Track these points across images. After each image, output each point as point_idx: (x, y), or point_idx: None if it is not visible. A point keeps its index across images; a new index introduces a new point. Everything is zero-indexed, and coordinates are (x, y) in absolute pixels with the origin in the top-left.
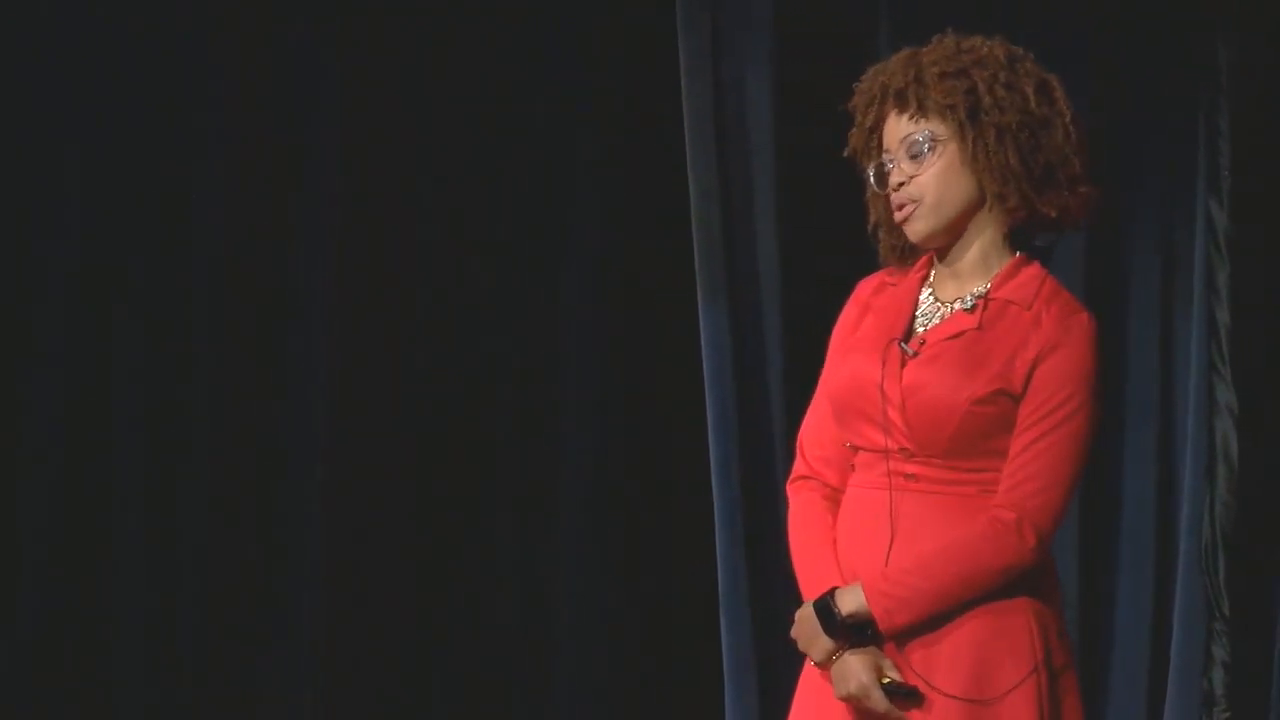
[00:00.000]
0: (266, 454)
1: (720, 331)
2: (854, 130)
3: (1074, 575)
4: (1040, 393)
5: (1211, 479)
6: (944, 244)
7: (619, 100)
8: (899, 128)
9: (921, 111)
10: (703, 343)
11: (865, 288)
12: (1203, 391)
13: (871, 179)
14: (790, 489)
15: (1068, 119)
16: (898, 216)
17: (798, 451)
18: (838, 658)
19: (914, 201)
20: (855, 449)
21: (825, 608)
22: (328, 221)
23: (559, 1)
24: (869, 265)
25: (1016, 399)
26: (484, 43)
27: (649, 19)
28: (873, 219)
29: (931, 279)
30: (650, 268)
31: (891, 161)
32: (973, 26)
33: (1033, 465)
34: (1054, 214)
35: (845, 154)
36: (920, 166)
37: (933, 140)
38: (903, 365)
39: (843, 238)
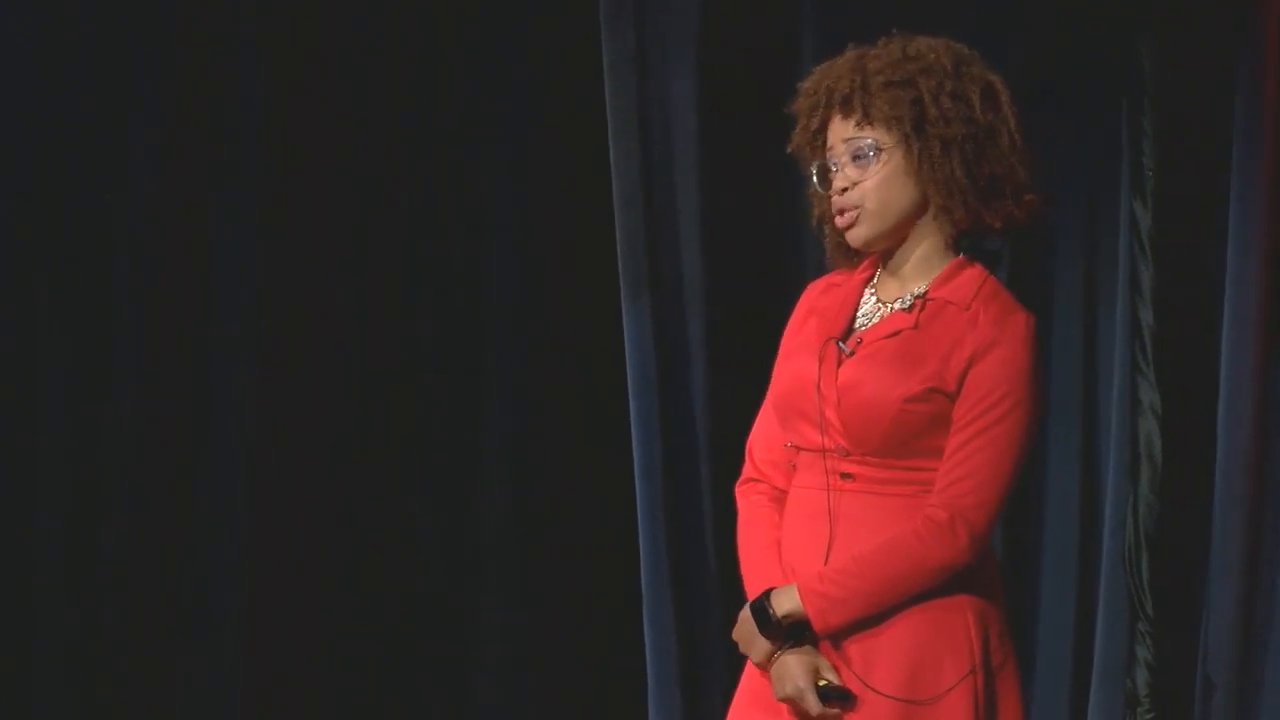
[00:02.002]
0: (188, 444)
1: (643, 331)
2: (797, 130)
3: None
4: (976, 391)
5: (1135, 479)
6: (886, 248)
7: (542, 101)
8: (843, 131)
9: (867, 119)
10: (626, 343)
11: (813, 291)
12: (1126, 391)
13: (814, 178)
14: (738, 491)
15: (1012, 125)
16: (840, 222)
17: (747, 455)
18: (776, 658)
19: (856, 208)
20: (797, 449)
21: (761, 608)
22: (249, 220)
23: (482, 3)
24: (791, 265)
25: (951, 397)
26: (406, 43)
27: (573, 21)
28: (816, 215)
29: (875, 280)
30: (573, 268)
31: (835, 164)
32: (896, 29)
33: (967, 464)
34: (999, 224)
35: (789, 150)
36: (864, 173)
37: (877, 148)
38: (839, 364)
39: (765, 238)
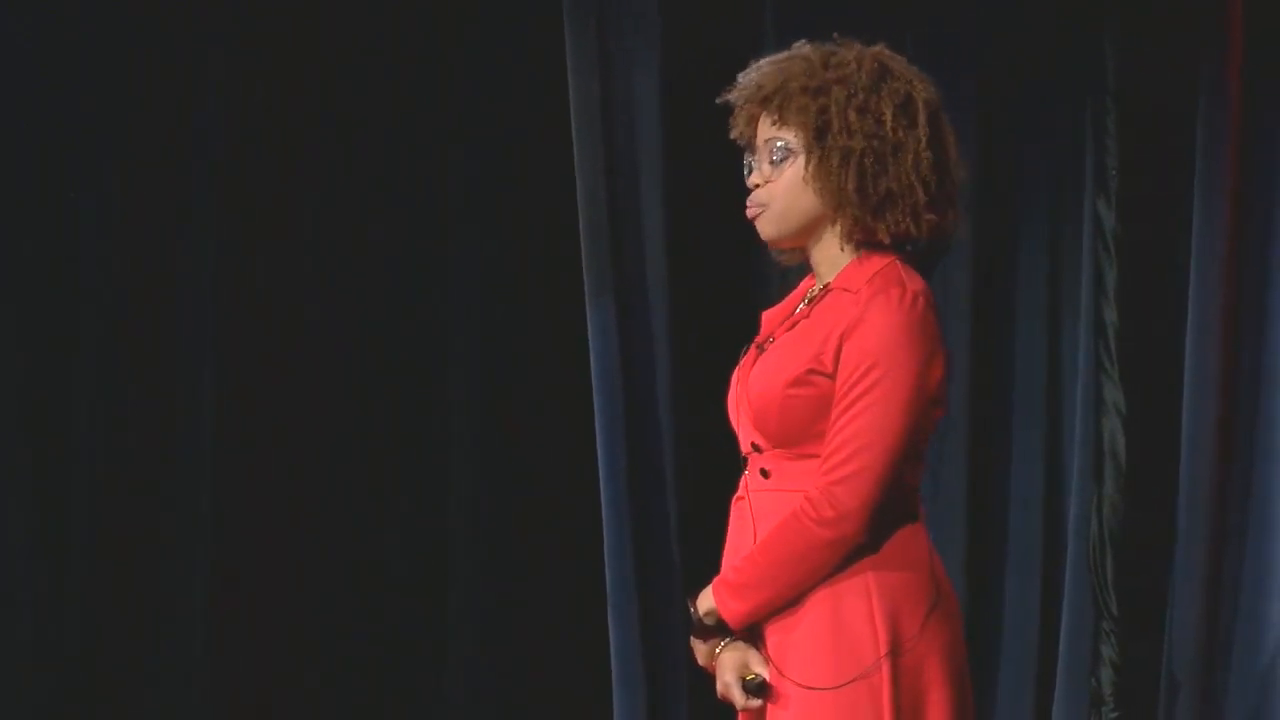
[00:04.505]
0: (154, 452)
1: (607, 331)
2: (732, 120)
3: (961, 575)
4: (845, 368)
5: (1099, 478)
6: (795, 245)
7: (506, 100)
8: (764, 129)
9: (783, 120)
10: (590, 342)
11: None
12: (1090, 391)
13: (744, 169)
14: (730, 508)
15: (922, 144)
16: (749, 214)
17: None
18: (716, 657)
19: (762, 205)
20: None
21: (687, 610)
22: (216, 221)
23: (446, 5)
24: (755, 264)
25: (830, 377)
26: (375, 46)
27: (536, 21)
28: None
29: (812, 288)
30: (537, 267)
31: (755, 160)
32: (857, 30)
33: (838, 439)
34: (887, 239)
35: (732, 136)
36: (775, 172)
37: (786, 150)
38: (754, 365)
39: (729, 237)
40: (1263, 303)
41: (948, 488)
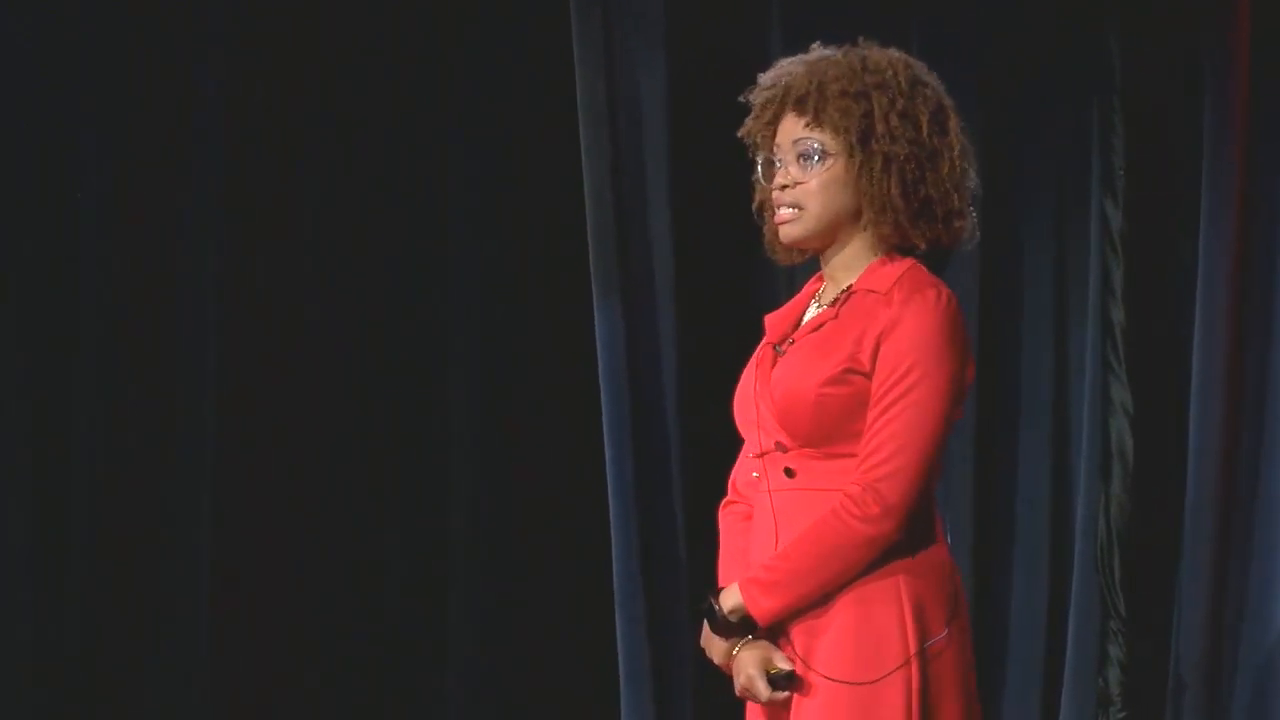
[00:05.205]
0: (154, 452)
1: (614, 331)
2: (750, 118)
3: (968, 575)
4: (884, 368)
5: (1106, 478)
6: (816, 247)
7: (506, 100)
8: (793, 130)
9: (817, 122)
10: (597, 342)
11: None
12: (1097, 390)
13: (759, 169)
14: (719, 514)
15: (955, 151)
16: (777, 218)
17: (730, 480)
18: (734, 656)
19: (795, 207)
20: (755, 457)
21: (709, 608)
22: (216, 221)
23: (450, 2)
24: (761, 262)
25: (868, 377)
26: (373, 44)
27: (537, 20)
28: (757, 200)
29: (822, 290)
30: (537, 267)
31: (780, 160)
32: (864, 28)
33: (878, 437)
34: (923, 245)
35: (739, 134)
36: (806, 173)
37: (823, 152)
38: (773, 366)
39: (737, 237)
40: (1269, 302)
41: (955, 488)
